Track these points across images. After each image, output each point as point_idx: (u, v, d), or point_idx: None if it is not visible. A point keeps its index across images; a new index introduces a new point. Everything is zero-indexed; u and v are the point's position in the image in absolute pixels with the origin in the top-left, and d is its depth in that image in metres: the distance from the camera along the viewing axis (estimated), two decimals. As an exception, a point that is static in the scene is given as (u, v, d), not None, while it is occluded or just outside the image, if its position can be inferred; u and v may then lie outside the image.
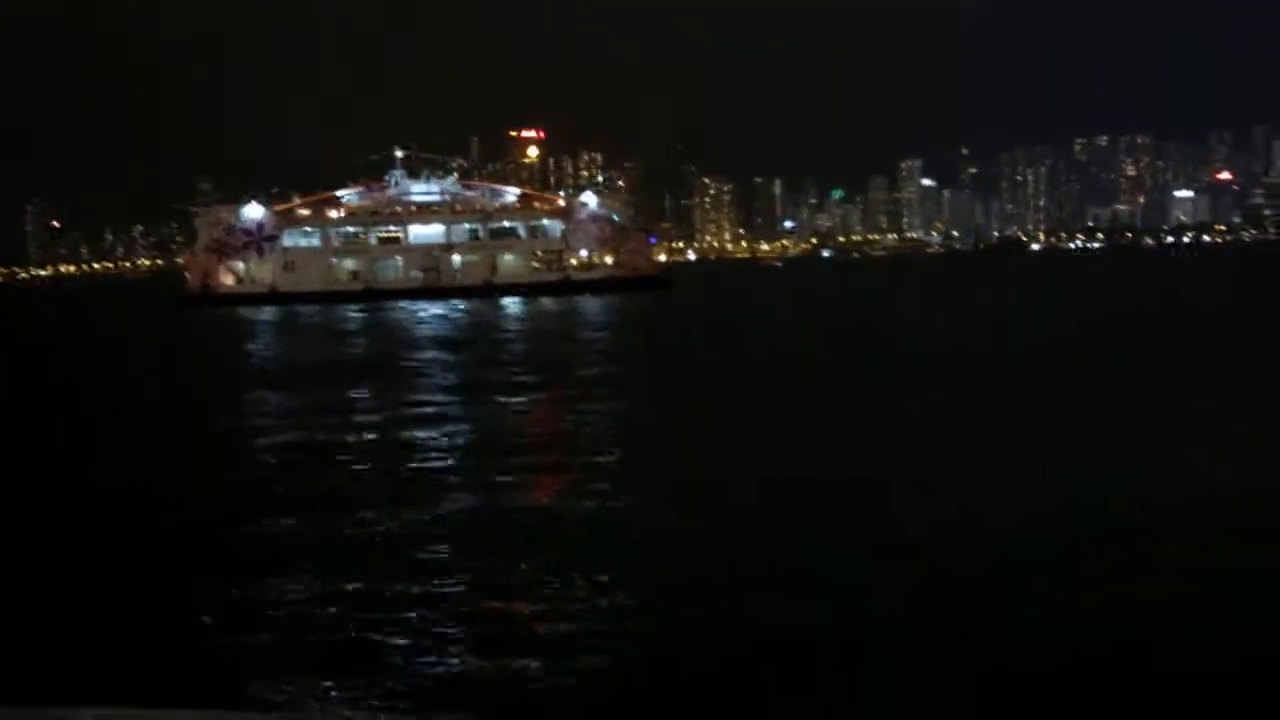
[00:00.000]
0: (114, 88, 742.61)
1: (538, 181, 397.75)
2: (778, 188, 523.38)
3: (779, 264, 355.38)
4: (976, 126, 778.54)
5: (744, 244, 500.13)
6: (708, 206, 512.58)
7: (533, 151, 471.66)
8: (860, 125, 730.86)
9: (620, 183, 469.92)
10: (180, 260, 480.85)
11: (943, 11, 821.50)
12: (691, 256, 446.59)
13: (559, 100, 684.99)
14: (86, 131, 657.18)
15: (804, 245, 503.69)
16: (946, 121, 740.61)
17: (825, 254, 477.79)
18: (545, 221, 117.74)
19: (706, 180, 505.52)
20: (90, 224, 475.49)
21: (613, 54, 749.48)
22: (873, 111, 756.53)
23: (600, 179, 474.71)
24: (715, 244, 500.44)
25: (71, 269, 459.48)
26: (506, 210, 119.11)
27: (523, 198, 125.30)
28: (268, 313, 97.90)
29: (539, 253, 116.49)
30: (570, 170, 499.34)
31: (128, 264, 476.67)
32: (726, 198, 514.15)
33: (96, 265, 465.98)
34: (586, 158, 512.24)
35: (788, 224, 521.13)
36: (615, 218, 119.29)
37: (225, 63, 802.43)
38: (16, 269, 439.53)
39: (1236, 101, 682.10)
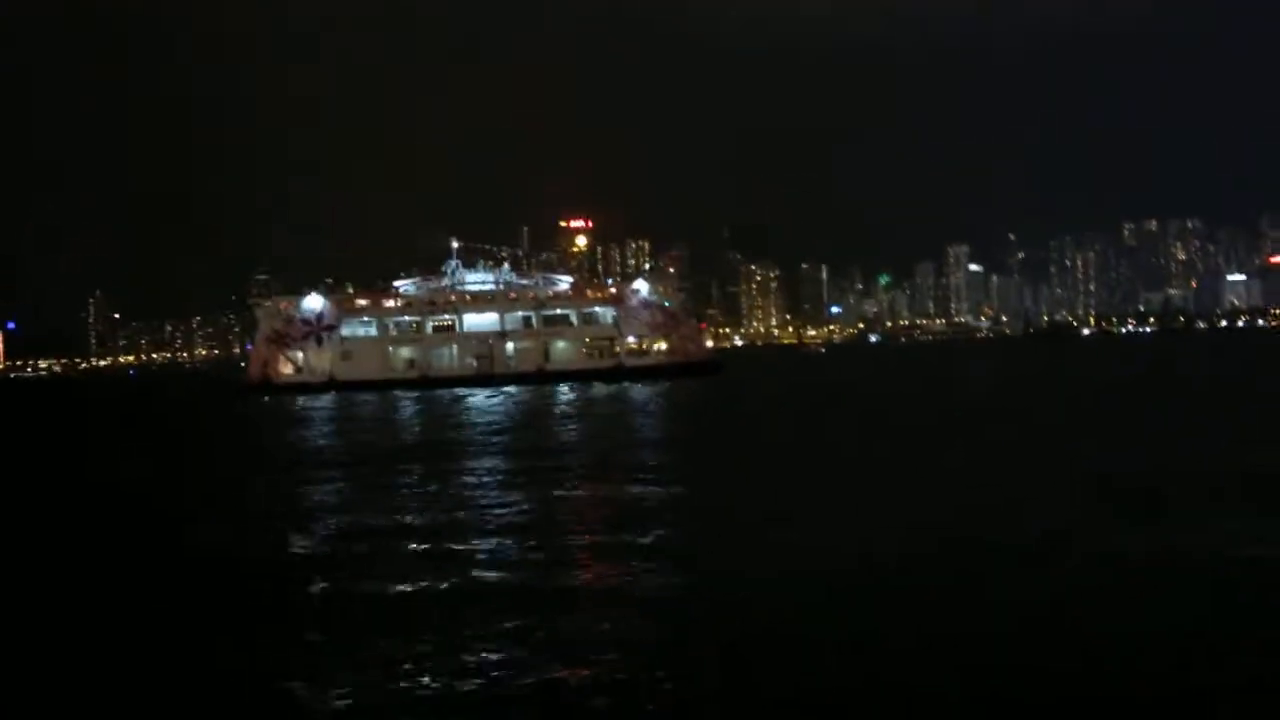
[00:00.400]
0: (114, 87, 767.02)
1: (586, 270, 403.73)
2: (824, 274, 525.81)
3: (823, 349, 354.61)
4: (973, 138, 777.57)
5: (790, 329, 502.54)
6: (754, 292, 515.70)
7: (581, 241, 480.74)
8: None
9: (671, 270, 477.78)
10: (238, 351, 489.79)
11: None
12: (738, 342, 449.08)
13: (564, 101, 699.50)
14: (86, 133, 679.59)
15: (850, 330, 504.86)
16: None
17: (873, 338, 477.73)
18: (598, 309, 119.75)
19: (753, 267, 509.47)
20: (149, 315, 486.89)
21: (613, 54, 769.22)
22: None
23: (648, 266, 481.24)
24: (762, 329, 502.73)
25: (131, 359, 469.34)
26: (559, 298, 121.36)
27: (575, 285, 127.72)
28: (326, 400, 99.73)
29: (590, 340, 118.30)
30: (618, 258, 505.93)
31: (185, 354, 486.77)
32: (773, 284, 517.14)
33: (155, 355, 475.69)
34: (634, 245, 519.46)
35: (834, 309, 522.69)
36: (667, 304, 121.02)
37: (225, 63, 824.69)
38: (78, 359, 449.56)
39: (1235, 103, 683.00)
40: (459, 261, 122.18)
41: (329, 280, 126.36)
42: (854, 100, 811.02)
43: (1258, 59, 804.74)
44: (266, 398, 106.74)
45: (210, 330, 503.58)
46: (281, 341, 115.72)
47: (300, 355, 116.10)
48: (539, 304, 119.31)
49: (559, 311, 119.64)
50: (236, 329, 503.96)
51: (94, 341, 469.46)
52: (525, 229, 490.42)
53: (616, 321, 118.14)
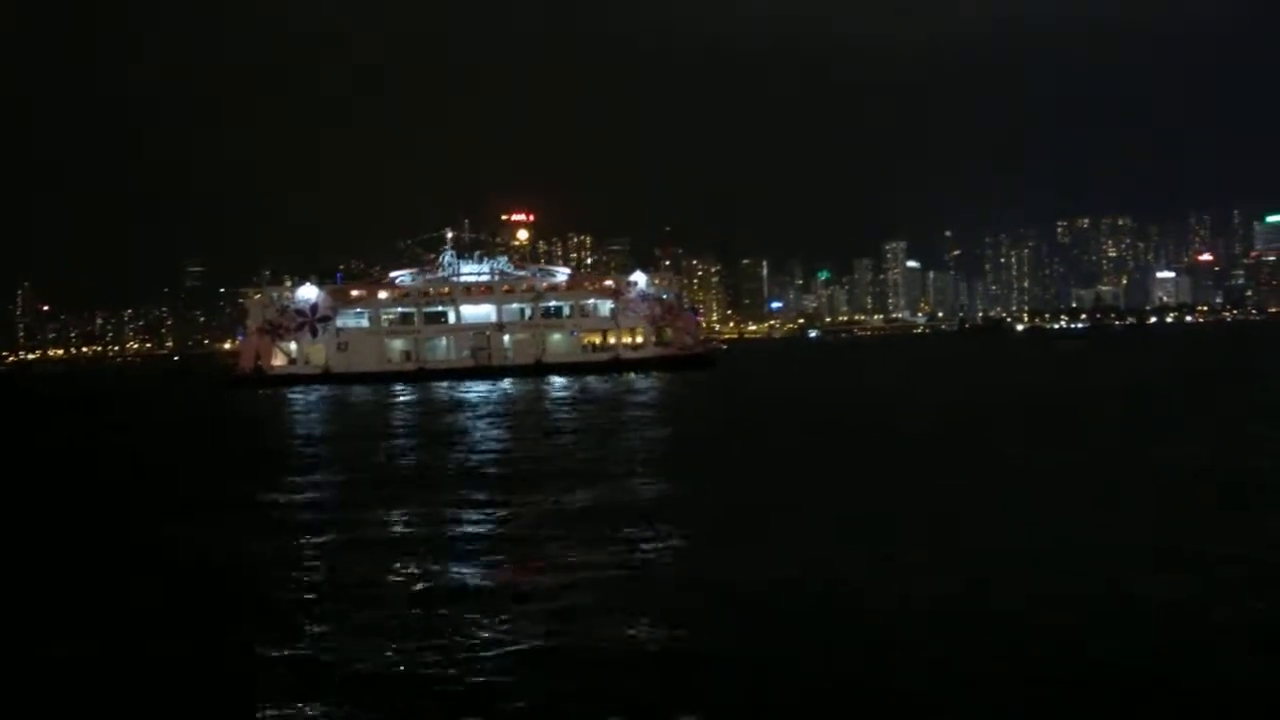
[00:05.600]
0: (113, 102, 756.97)
1: (528, 263, 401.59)
2: (765, 269, 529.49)
3: (724, 347, 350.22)
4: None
5: (731, 324, 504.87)
6: (695, 287, 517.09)
7: (523, 234, 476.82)
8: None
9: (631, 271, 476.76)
10: (171, 344, 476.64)
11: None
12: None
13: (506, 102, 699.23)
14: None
15: (790, 325, 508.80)
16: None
17: (812, 333, 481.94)
18: (594, 301, 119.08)
19: (695, 261, 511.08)
20: (79, 307, 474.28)
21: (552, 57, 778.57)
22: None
23: (589, 260, 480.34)
24: (704, 324, 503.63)
25: (60, 352, 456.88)
26: (556, 290, 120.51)
27: (572, 278, 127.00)
28: (320, 391, 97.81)
29: (586, 333, 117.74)
30: (560, 253, 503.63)
31: (116, 348, 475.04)
32: (714, 279, 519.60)
33: (85, 349, 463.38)
34: (576, 239, 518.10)
35: (774, 304, 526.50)
36: (664, 296, 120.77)
37: (227, 64, 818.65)
38: (4, 352, 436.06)
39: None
40: (455, 252, 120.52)
41: (266, 272, 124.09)
42: (795, 102, 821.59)
43: (1191, 59, 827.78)
44: (261, 390, 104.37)
45: (141, 324, 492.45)
46: (274, 332, 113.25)
47: (294, 346, 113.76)
48: (536, 296, 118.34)
49: (555, 303, 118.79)
50: (170, 322, 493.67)
51: (22, 334, 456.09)
52: (466, 221, 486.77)
53: (614, 314, 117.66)
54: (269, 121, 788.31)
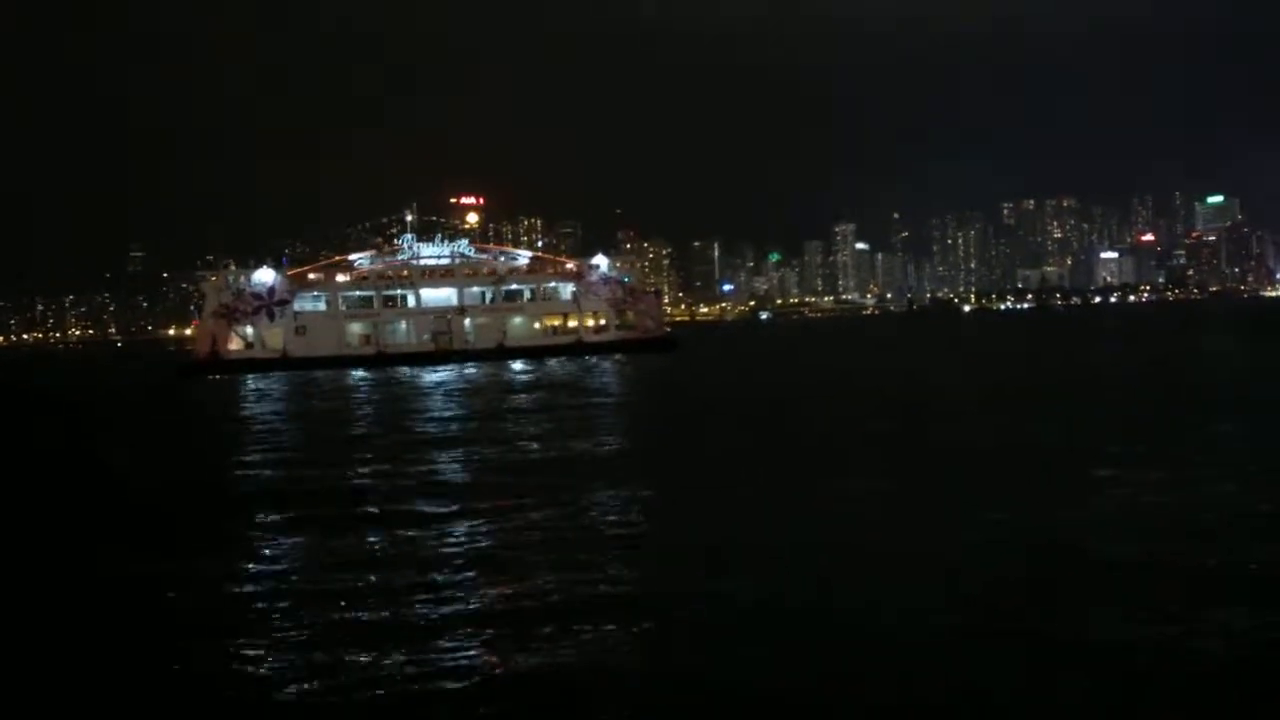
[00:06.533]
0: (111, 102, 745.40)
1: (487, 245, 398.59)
2: (716, 251, 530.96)
3: (668, 329, 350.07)
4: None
5: (683, 306, 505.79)
6: (647, 269, 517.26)
7: (472, 218, 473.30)
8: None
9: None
10: (114, 330, 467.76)
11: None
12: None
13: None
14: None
15: (742, 308, 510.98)
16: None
17: (763, 315, 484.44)
18: (556, 284, 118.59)
19: (646, 244, 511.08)
20: (18, 294, 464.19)
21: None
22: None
23: (540, 243, 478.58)
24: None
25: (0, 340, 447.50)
26: (518, 273, 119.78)
27: (534, 261, 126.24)
28: (278, 377, 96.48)
29: (548, 316, 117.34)
30: (509, 235, 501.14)
31: (57, 334, 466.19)
32: (665, 261, 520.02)
33: (26, 335, 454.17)
34: (526, 223, 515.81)
35: (726, 287, 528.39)
36: (626, 280, 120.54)
37: (223, 61, 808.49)
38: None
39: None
40: (415, 235, 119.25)
41: (209, 256, 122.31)
42: (794, 102, 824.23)
43: (1191, 59, 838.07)
44: (218, 375, 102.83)
45: (84, 309, 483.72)
46: (231, 316, 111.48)
47: (250, 330, 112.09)
48: (497, 279, 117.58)
49: (516, 287, 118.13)
50: (112, 308, 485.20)
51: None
52: (414, 204, 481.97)
53: (576, 297, 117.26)
54: (269, 121, 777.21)
